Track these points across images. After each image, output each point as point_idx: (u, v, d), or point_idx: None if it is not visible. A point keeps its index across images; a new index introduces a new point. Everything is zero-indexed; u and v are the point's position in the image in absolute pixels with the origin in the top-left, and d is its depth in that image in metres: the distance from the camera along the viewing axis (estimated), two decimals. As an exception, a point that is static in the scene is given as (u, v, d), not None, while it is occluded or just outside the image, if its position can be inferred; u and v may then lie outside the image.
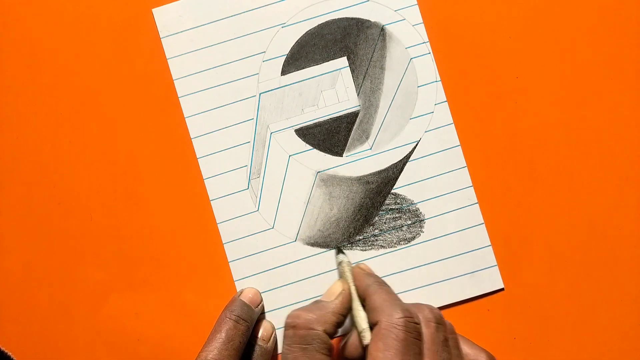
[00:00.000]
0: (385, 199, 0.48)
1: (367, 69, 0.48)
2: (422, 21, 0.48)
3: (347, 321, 0.43)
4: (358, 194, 0.48)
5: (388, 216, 0.48)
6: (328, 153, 0.47)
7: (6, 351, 0.46)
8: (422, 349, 0.38)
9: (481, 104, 0.48)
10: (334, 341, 0.43)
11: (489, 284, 0.48)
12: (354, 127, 0.48)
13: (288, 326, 0.41)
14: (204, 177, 0.47)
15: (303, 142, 0.47)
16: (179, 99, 0.47)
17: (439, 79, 0.48)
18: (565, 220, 0.48)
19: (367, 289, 0.42)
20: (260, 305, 0.47)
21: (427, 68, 0.48)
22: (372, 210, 0.48)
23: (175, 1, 0.48)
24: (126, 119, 0.47)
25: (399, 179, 0.48)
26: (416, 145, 0.48)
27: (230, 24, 0.47)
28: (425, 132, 0.48)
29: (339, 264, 0.45)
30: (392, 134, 0.48)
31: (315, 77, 0.47)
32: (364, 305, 0.42)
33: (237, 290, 0.47)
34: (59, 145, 0.47)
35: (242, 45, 0.47)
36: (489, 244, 0.48)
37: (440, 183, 0.48)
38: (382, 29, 0.48)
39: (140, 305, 0.47)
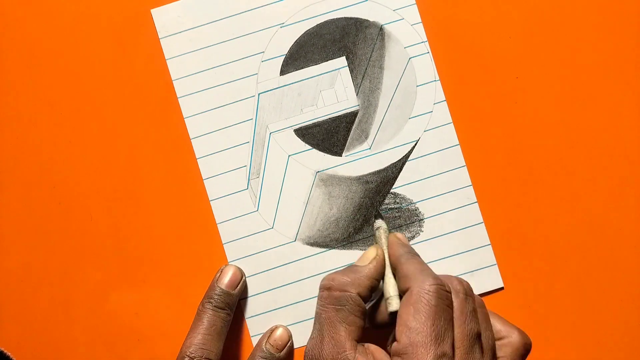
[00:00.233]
0: (384, 199, 0.48)
1: (366, 69, 0.48)
2: (420, 20, 0.48)
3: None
4: (357, 193, 0.48)
5: (387, 215, 0.48)
6: (327, 153, 0.47)
7: (6, 351, 0.46)
8: (452, 317, 0.38)
9: (480, 103, 0.48)
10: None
11: (488, 283, 0.48)
12: (353, 127, 0.48)
13: (323, 288, 0.41)
14: (203, 177, 0.47)
15: (302, 142, 0.47)
16: (178, 99, 0.48)
17: (437, 78, 0.48)
18: (564, 219, 0.48)
19: (400, 258, 0.41)
20: (242, 282, 0.46)
21: (425, 67, 0.48)
22: (372, 209, 0.48)
23: (174, 2, 0.48)
24: (126, 120, 0.48)
25: (398, 179, 0.48)
26: (415, 144, 0.48)
27: (229, 24, 0.48)
28: (424, 131, 0.48)
29: (377, 229, 0.45)
30: (391, 133, 0.48)
31: (314, 77, 0.47)
32: (394, 274, 0.42)
33: (220, 272, 0.46)
34: (59, 145, 0.47)
35: (241, 45, 0.47)
36: (489, 243, 0.48)
37: (440, 182, 0.48)
38: (381, 29, 0.48)
39: (140, 305, 0.47)
